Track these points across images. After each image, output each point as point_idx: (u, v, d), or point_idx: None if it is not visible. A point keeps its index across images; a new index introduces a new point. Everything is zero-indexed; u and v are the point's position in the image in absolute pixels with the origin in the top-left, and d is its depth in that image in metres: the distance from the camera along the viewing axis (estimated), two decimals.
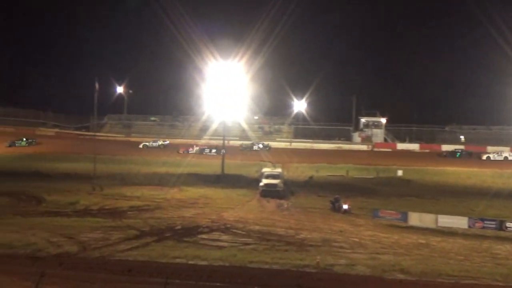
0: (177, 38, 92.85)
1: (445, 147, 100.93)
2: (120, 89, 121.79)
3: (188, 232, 37.94)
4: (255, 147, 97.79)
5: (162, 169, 70.66)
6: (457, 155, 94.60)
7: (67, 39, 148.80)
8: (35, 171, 67.80)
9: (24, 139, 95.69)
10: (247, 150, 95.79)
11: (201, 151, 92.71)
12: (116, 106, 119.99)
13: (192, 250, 32.26)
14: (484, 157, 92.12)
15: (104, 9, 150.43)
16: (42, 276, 15.23)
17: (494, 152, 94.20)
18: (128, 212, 46.17)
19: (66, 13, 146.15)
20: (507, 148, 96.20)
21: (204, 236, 37.18)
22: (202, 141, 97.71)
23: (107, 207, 48.37)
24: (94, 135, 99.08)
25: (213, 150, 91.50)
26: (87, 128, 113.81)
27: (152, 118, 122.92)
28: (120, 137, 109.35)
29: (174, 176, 64.61)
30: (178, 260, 29.77)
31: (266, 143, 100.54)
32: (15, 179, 62.67)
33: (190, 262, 29.51)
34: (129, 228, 38.78)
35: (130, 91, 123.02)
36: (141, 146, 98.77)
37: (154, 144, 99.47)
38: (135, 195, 55.08)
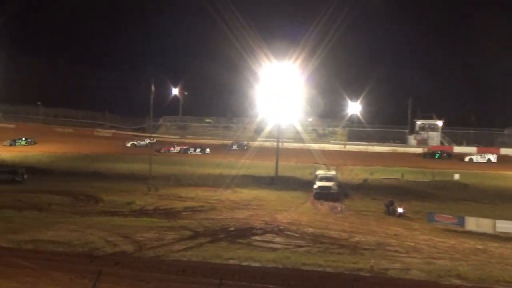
0: (232, 40, 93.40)
1: (505, 151, 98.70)
2: (175, 91, 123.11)
3: (241, 234, 38.12)
4: (233, 147, 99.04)
5: (217, 171, 71.13)
6: (436, 156, 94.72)
7: (124, 42, 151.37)
8: (93, 172, 69.15)
9: (23, 138, 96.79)
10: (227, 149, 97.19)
11: (185, 150, 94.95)
12: (171, 107, 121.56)
13: (245, 251, 32.39)
14: (467, 158, 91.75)
15: (161, 12, 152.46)
16: (100, 275, 15.57)
17: (478, 154, 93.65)
18: (183, 213, 46.69)
19: (123, 17, 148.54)
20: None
21: (257, 237, 37.28)
22: (188, 141, 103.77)
23: (162, 208, 49.02)
24: (150, 136, 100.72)
25: (198, 150, 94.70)
26: (143, 130, 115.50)
27: (207, 120, 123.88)
28: (175, 139, 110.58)
29: (228, 177, 64.96)
30: (231, 261, 29.93)
31: (245, 142, 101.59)
32: (74, 179, 64.22)
33: (244, 263, 29.63)
34: (184, 229, 39.19)
35: (185, 93, 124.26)
36: (129, 144, 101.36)
37: (142, 142, 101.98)
38: (189, 196, 55.66)
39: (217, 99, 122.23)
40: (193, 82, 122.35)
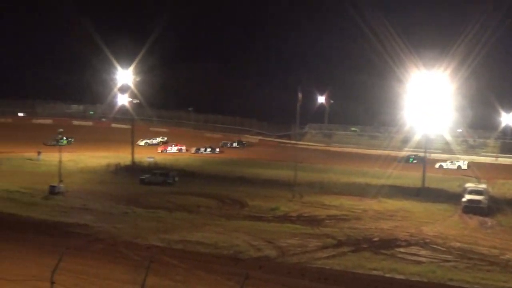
0: (380, 48, 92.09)
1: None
2: (321, 99, 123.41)
3: (385, 245, 37.50)
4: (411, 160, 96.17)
5: (362, 180, 70.30)
6: (410, 161, 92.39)
7: (272, 50, 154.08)
8: (239, 176, 70.78)
9: (65, 138, 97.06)
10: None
11: (196, 151, 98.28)
12: (317, 115, 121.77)
13: (389, 263, 31.84)
14: (437, 165, 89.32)
15: (309, 22, 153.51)
16: (247, 278, 15.89)
17: (448, 161, 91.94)
18: (326, 221, 46.64)
19: (272, 27, 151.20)
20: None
21: (401, 249, 36.53)
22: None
23: (305, 215, 49.27)
24: (296, 144, 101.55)
25: (208, 149, 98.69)
26: (289, 137, 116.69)
27: (353, 129, 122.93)
28: (321, 146, 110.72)
29: (373, 187, 63.93)
30: (374, 272, 29.55)
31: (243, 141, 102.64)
32: (221, 183, 66.08)
33: (387, 275, 29.15)
34: (327, 237, 39.19)
35: (332, 101, 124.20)
36: (142, 143, 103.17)
37: (154, 141, 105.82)
38: (333, 204, 55.46)
39: (363, 108, 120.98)
40: (340, 90, 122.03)
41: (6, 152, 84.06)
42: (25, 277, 25.28)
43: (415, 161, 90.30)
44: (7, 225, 40.24)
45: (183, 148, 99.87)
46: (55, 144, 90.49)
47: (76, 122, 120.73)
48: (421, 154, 79.44)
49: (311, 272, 29.37)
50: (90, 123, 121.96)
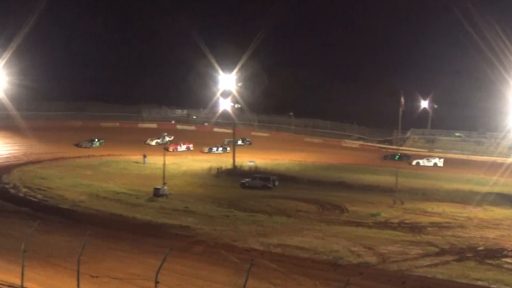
0: (486, 53, 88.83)
1: None
2: (424, 104, 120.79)
3: (491, 254, 36.17)
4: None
5: (466, 187, 68.33)
6: (396, 158, 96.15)
7: (373, 56, 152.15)
8: (339, 181, 70.38)
9: (96, 139, 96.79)
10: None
11: (209, 150, 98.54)
12: (420, 120, 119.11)
13: (495, 273, 30.73)
14: (414, 162, 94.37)
15: (411, 24, 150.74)
16: (347, 284, 15.81)
17: (424, 158, 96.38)
18: (428, 228, 45.52)
19: (374, 29, 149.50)
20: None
21: (508, 260, 35.09)
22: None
23: (407, 221, 48.34)
24: (397, 149, 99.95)
25: (220, 148, 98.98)
26: (390, 142, 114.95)
27: (457, 134, 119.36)
28: (423, 152, 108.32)
29: (478, 194, 61.87)
30: (479, 283, 28.61)
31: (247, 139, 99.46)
32: (320, 188, 66.00)
33: (492, 286, 28.14)
34: (429, 245, 38.30)
35: (435, 106, 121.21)
36: (153, 143, 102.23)
37: (164, 140, 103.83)
38: (435, 211, 54.10)
39: (467, 113, 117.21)
40: (444, 95, 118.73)
41: (114, 155, 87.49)
42: (130, 276, 26.23)
43: None
44: (113, 225, 41.84)
45: (191, 146, 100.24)
46: (90, 146, 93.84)
47: (179, 126, 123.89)
48: None
49: (412, 280, 28.80)
50: (193, 127, 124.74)
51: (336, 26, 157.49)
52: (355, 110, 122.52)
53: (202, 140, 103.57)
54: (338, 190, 65.17)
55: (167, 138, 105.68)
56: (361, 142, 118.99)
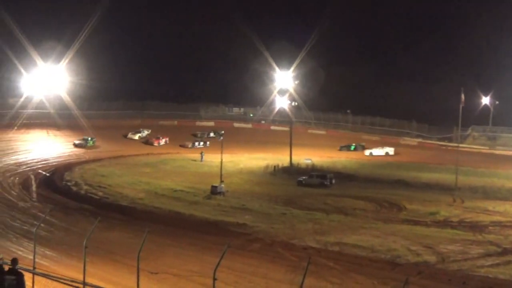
0: None
1: None
2: (485, 100, 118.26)
3: None
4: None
5: None
6: (352, 148, 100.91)
7: (432, 52, 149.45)
8: (397, 180, 69.54)
9: (89, 138, 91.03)
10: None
11: (192, 145, 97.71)
12: (481, 117, 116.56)
13: None
14: (367, 152, 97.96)
15: (471, 19, 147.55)
16: (406, 283, 15.61)
17: (376, 148, 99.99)
18: (490, 227, 44.51)
19: (433, 25, 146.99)
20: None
21: None
22: None
23: (467, 220, 47.40)
24: (457, 147, 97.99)
25: (201, 143, 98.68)
26: (450, 139, 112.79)
27: None
28: (484, 149, 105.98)
29: None
30: None
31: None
32: (378, 186, 65.36)
33: None
34: (490, 244, 37.48)
35: (496, 102, 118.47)
36: (136, 137, 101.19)
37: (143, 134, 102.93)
38: (497, 210, 52.80)
39: None
40: (506, 91, 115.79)
41: (172, 153, 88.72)
42: (188, 273, 26.56)
43: None
44: (171, 222, 42.44)
45: (167, 140, 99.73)
46: (85, 144, 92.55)
47: (236, 125, 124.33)
48: None
49: (474, 280, 28.26)
50: (250, 125, 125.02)
51: (395, 23, 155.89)
52: (414, 108, 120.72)
53: (258, 138, 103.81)
54: (396, 188, 64.48)
55: (145, 132, 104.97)
56: (420, 140, 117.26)
